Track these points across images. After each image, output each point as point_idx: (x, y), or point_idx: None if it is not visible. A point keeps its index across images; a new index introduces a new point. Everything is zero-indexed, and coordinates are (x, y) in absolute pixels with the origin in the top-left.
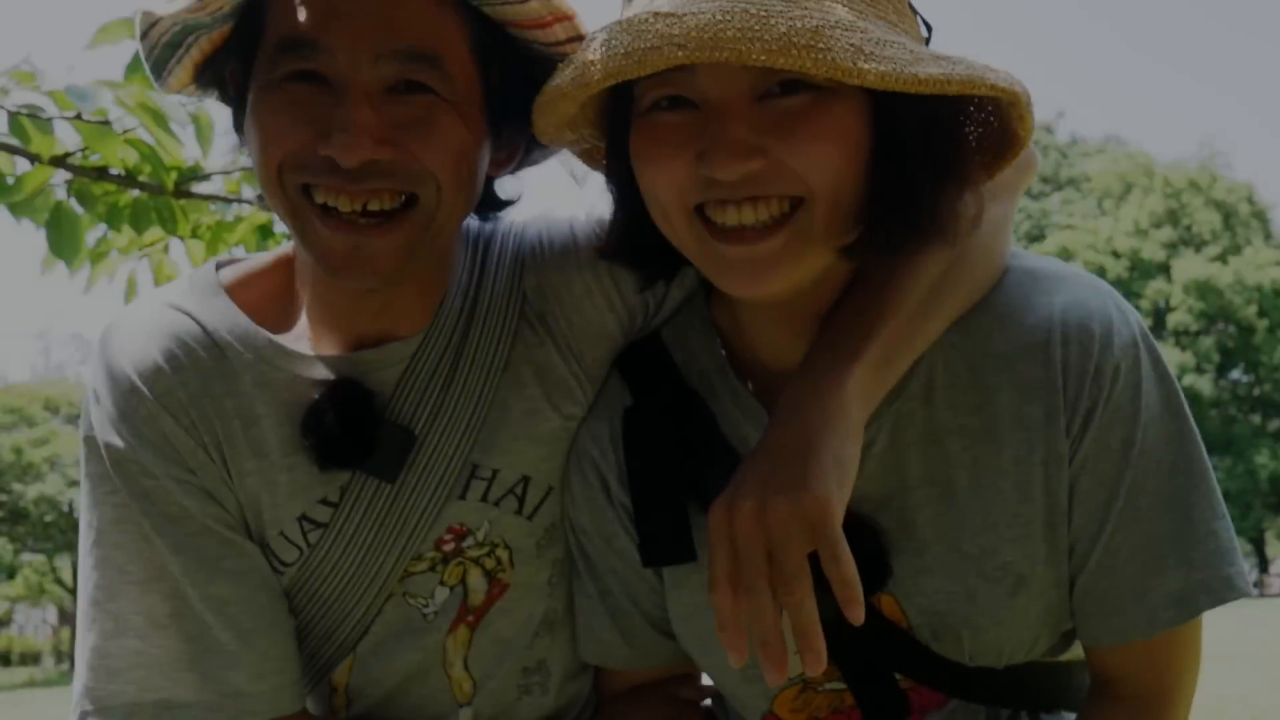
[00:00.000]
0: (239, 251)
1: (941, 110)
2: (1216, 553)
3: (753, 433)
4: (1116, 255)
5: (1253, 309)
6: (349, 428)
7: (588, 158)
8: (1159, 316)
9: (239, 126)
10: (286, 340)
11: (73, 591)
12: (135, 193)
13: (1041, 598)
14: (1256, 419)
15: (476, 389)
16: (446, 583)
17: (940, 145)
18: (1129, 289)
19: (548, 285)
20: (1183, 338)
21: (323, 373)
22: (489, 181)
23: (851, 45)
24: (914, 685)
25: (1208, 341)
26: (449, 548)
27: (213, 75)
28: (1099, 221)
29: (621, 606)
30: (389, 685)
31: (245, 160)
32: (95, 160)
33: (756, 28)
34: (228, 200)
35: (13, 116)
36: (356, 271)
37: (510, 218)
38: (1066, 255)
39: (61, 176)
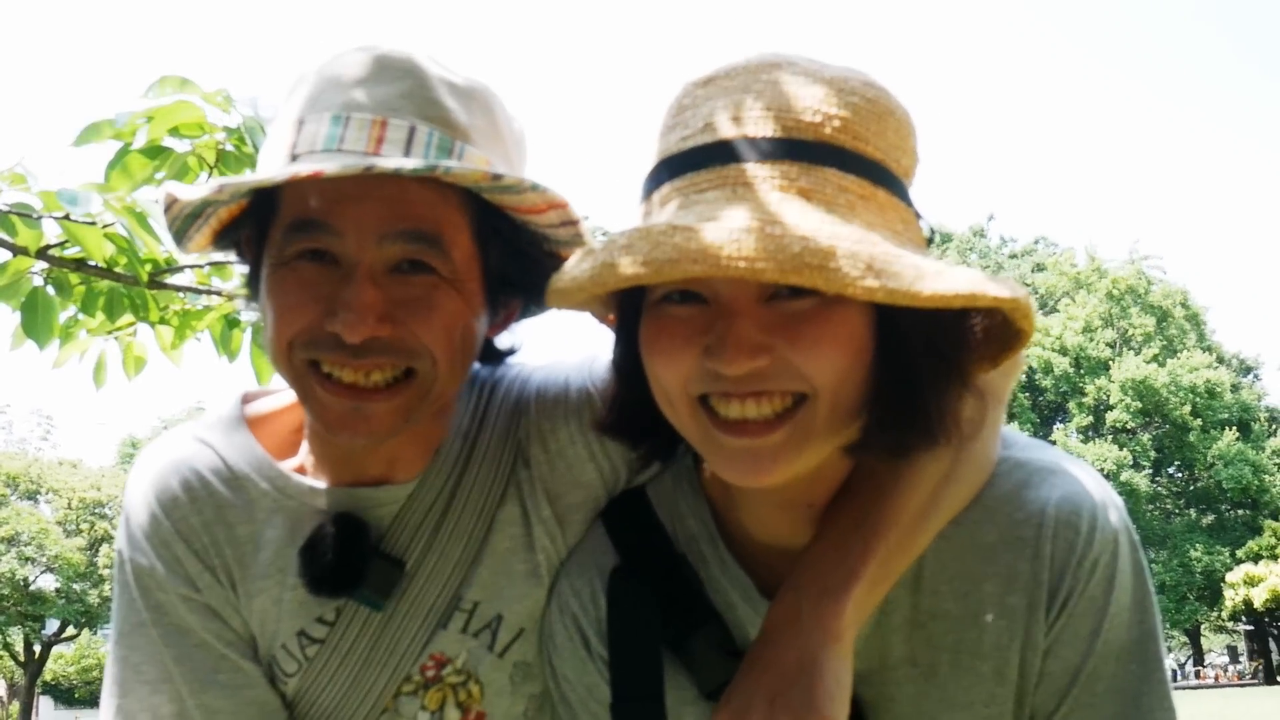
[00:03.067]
0: (205, 336)
1: (944, 315)
2: None
3: (740, 601)
4: (1064, 352)
5: (1187, 409)
6: (342, 558)
7: (588, 310)
8: (1099, 413)
9: (253, 288)
10: (298, 471)
11: (21, 665)
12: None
13: None
14: (1191, 514)
15: (468, 528)
16: (427, 707)
17: (942, 349)
18: (1074, 384)
19: (535, 429)
20: (1121, 435)
21: (326, 504)
22: (487, 339)
23: (860, 264)
24: None
25: (1145, 438)
26: (430, 674)
27: (229, 239)
28: (1049, 319)
29: None
30: None
31: (215, 255)
32: (74, 252)
33: (771, 248)
34: (198, 291)
35: (3, 215)
36: (353, 430)
37: (521, 362)
38: None
39: (39, 264)
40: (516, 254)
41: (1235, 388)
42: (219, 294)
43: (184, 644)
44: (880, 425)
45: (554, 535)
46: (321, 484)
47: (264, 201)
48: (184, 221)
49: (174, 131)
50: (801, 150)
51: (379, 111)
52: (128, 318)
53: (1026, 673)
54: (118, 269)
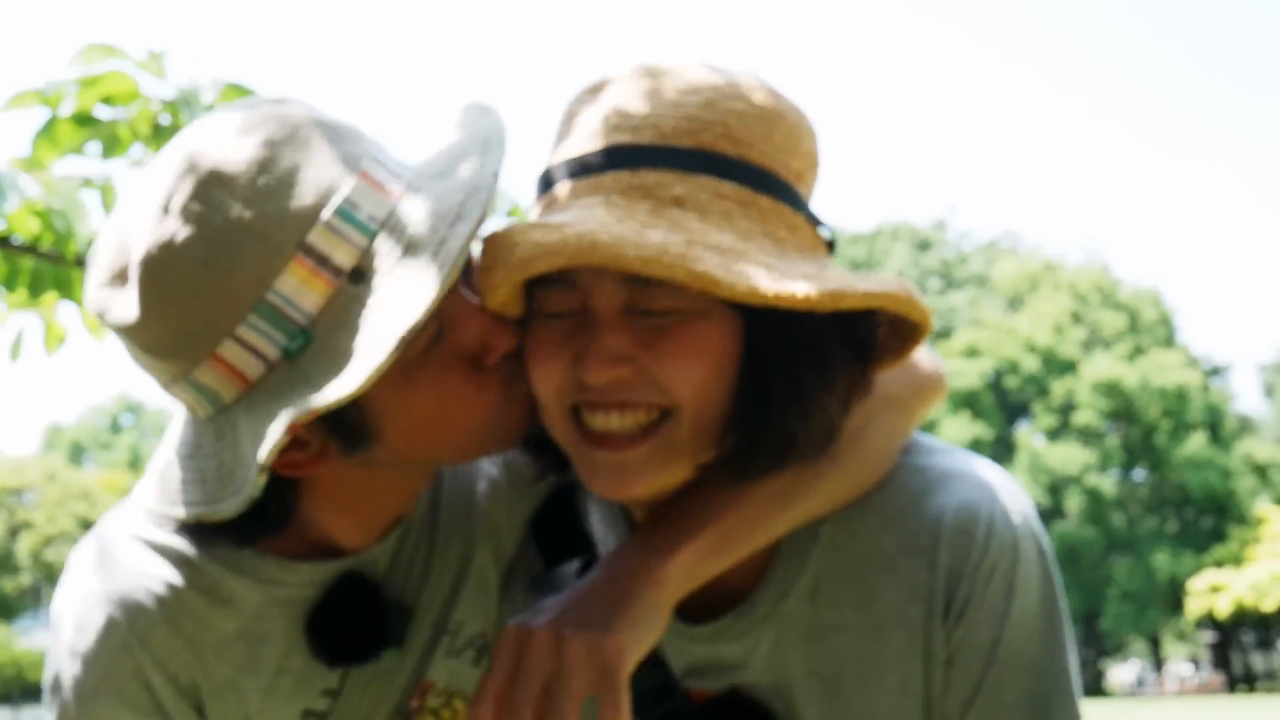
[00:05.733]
0: None
1: (809, 328)
2: None
3: None
4: (1033, 349)
5: (1158, 411)
6: (362, 620)
7: None
8: (1065, 413)
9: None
10: (275, 556)
11: None
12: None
13: None
14: (1156, 520)
15: (455, 549)
16: None
17: (805, 364)
18: (1041, 384)
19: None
20: (1088, 436)
21: (320, 576)
22: None
23: (720, 261)
24: None
25: (1113, 440)
26: (415, 704)
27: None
28: (1016, 318)
29: None
30: None
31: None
32: None
33: (631, 237)
34: None
35: None
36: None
37: None
38: (973, 352)
39: None
40: None
41: (1205, 390)
42: None
43: None
44: (736, 445)
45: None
46: (315, 561)
47: None
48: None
49: (107, 100)
50: (678, 158)
51: None
52: (52, 295)
53: (931, 683)
54: (43, 249)
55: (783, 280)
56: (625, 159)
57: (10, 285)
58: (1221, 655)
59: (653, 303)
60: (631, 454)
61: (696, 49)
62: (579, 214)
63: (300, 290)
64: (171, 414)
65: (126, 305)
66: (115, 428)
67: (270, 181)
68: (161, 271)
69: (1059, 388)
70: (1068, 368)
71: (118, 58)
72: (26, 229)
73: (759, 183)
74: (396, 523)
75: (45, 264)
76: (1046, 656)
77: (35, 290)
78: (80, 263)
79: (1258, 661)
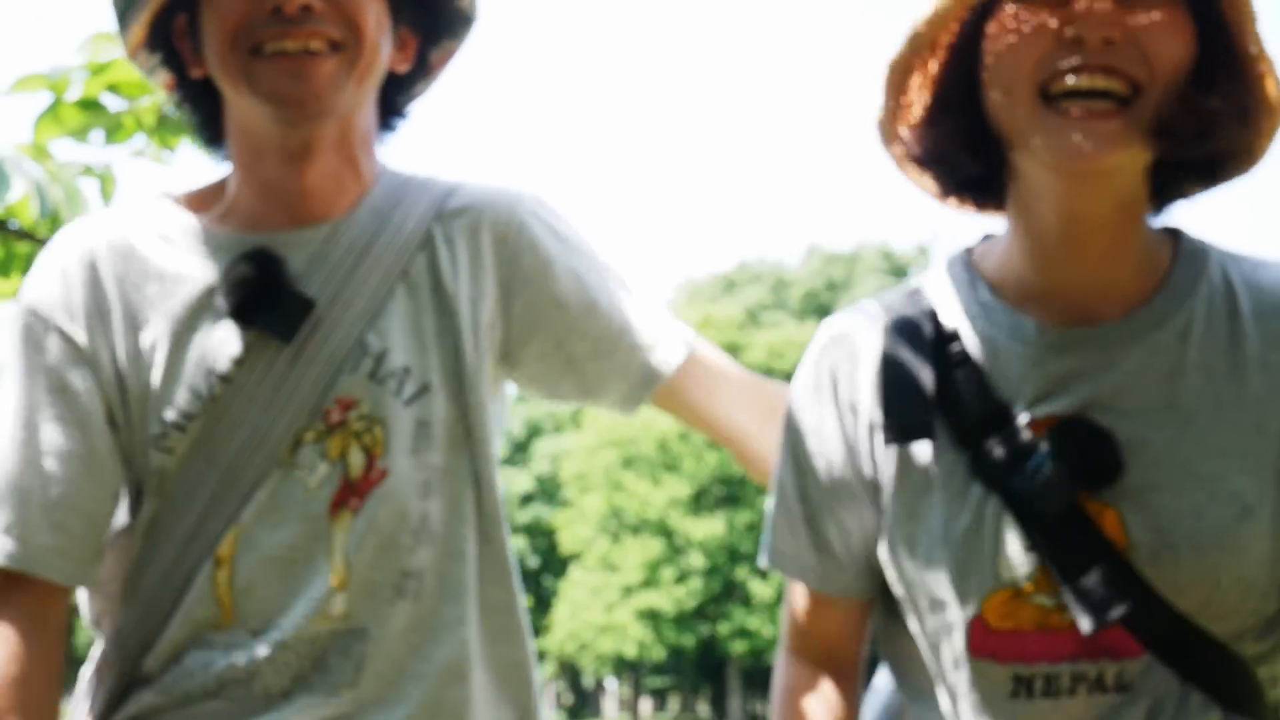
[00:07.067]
0: None
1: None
2: None
3: (1005, 337)
4: None
5: None
6: (257, 285)
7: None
8: None
9: (186, 84)
10: (218, 222)
11: None
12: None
13: (1267, 539)
14: None
15: (379, 279)
16: (329, 456)
17: (1235, 76)
18: None
19: (485, 215)
20: None
21: (246, 245)
22: (394, 83)
23: None
24: (1117, 629)
25: None
26: (335, 419)
27: (161, 35)
28: None
29: (820, 515)
30: (270, 561)
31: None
32: None
33: None
34: None
35: None
36: (299, 97)
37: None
38: None
39: None
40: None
41: None
42: None
43: (42, 384)
44: (1175, 145)
45: (478, 307)
46: (242, 232)
47: None
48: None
49: (113, 89)
50: None
51: None
52: None
53: None
54: (40, 236)
55: None
56: None
57: (4, 271)
58: None
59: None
60: (1106, 125)
61: (683, 57)
62: None
63: None
64: None
65: None
66: None
67: None
68: None
69: None
70: None
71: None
72: (26, 215)
73: None
74: (321, 219)
75: (40, 249)
76: None
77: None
78: None
79: None
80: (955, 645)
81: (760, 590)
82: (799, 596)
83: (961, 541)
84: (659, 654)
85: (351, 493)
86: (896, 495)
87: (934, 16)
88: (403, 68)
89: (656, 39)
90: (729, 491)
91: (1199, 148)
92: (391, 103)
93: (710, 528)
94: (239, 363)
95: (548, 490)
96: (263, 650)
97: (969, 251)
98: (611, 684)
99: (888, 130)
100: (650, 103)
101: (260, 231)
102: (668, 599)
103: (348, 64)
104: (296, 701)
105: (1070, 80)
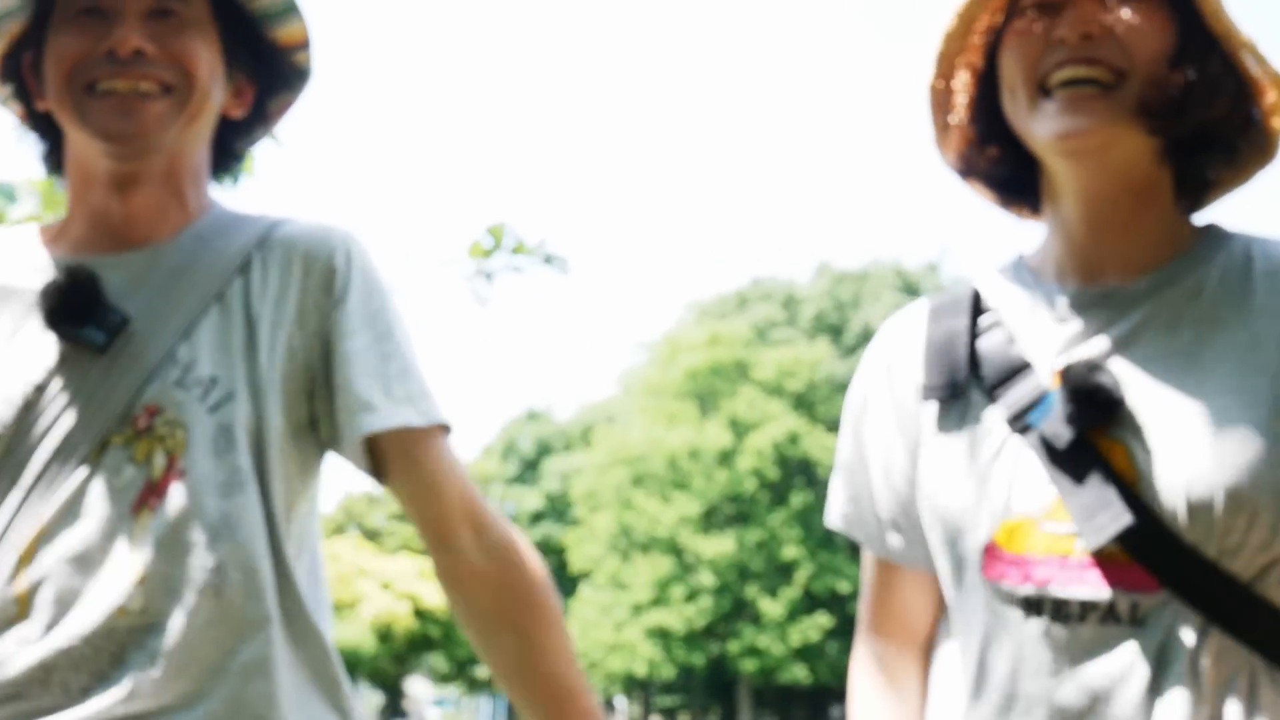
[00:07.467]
0: None
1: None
2: None
3: (1043, 305)
4: None
5: None
6: (71, 298)
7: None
8: None
9: (34, 116)
10: (51, 245)
11: None
12: None
13: (1268, 469)
14: None
15: (193, 299)
16: (135, 459)
17: (1218, 65)
18: None
19: (293, 247)
20: None
21: (72, 262)
22: (231, 128)
23: None
24: (1128, 562)
25: None
26: (142, 424)
27: (13, 69)
28: None
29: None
30: (68, 559)
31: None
32: None
33: None
34: None
35: None
36: (125, 132)
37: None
38: None
39: None
40: (248, 32)
41: None
42: None
43: None
44: (1164, 126)
45: (277, 328)
46: (70, 254)
47: (41, 9)
48: None
49: None
50: None
51: None
52: None
53: None
54: None
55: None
56: None
57: None
58: None
59: None
60: (1091, 105)
61: (695, 75)
62: None
63: None
64: None
65: None
66: None
67: None
68: None
69: None
70: None
71: None
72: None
73: None
74: (143, 244)
75: None
76: None
77: None
78: None
79: None
80: (971, 570)
81: (770, 609)
82: (870, 568)
83: (982, 474)
84: (669, 672)
85: (152, 492)
86: (932, 442)
87: (950, 33)
88: (238, 113)
89: (669, 57)
90: (739, 510)
91: (1183, 123)
92: (229, 145)
93: (720, 546)
94: (53, 371)
95: (558, 508)
96: (58, 643)
97: (1021, 255)
98: (621, 702)
99: (943, 149)
100: (663, 120)
101: (87, 254)
102: (677, 617)
103: (178, 105)
104: (97, 699)
105: (1059, 74)
